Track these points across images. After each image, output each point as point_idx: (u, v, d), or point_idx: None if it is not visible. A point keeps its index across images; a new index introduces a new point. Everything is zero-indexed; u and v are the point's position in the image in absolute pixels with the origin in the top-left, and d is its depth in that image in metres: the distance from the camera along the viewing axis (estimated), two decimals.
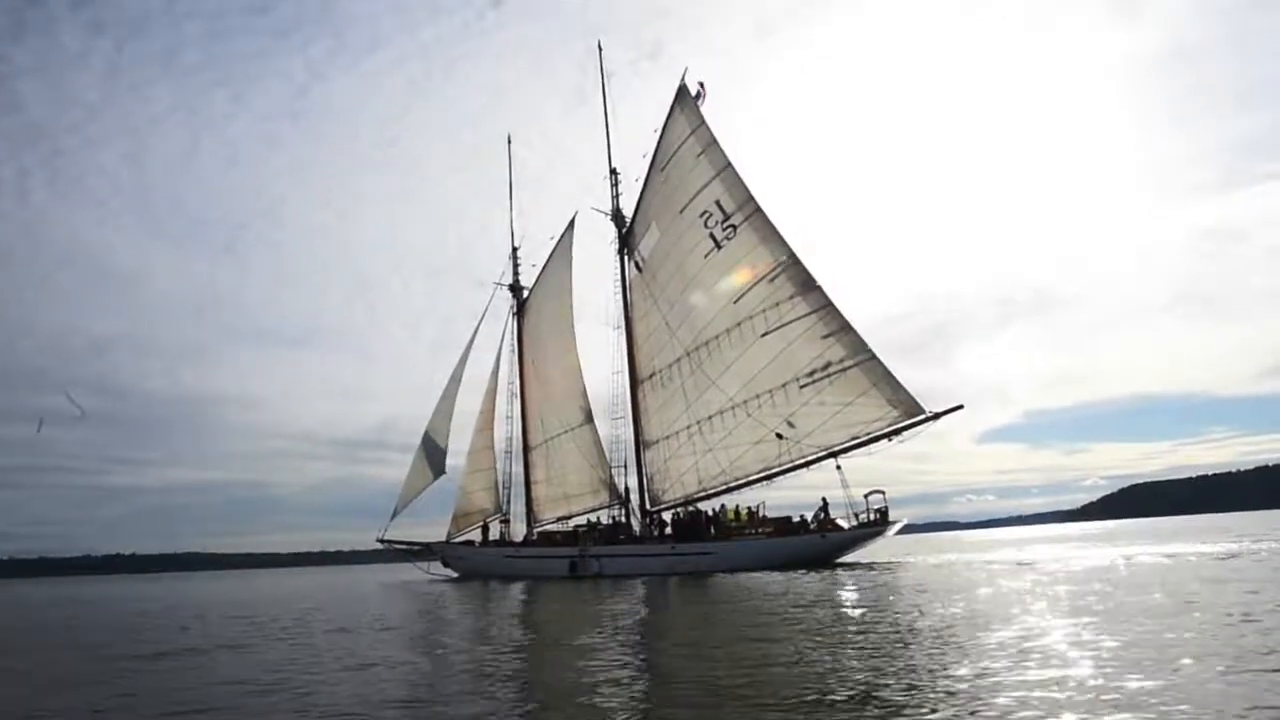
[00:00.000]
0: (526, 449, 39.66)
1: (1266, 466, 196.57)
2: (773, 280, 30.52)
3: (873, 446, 28.52)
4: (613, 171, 37.54)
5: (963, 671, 6.58)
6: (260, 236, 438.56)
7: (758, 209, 31.28)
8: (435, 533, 41.69)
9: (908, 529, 33.54)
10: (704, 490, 32.24)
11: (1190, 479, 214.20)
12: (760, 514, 32.21)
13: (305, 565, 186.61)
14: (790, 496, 43.12)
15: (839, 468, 29.21)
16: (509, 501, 39.45)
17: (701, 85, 33.10)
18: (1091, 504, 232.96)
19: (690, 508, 32.52)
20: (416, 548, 41.21)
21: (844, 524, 30.01)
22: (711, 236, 32.13)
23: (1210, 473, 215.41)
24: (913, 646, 8.14)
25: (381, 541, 41.66)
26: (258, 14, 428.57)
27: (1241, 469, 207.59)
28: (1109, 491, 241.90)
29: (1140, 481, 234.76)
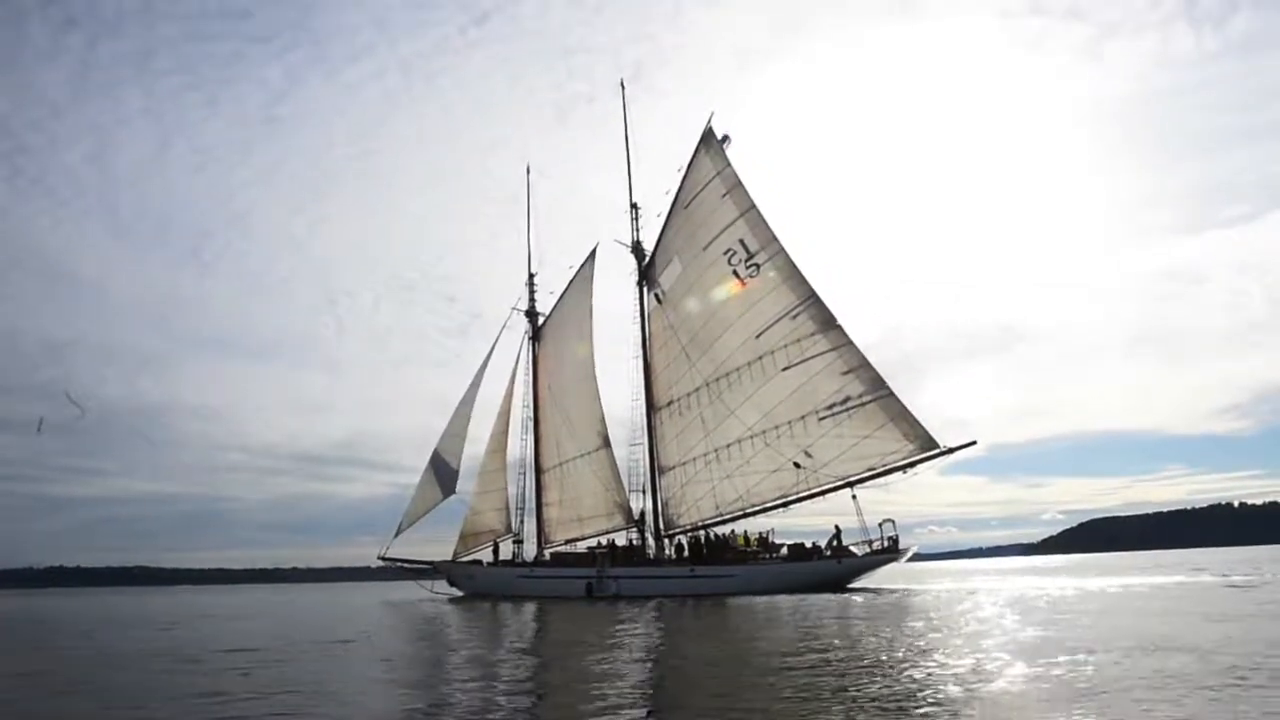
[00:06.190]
0: (539, 471, 40.50)
1: (1218, 504, 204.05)
2: (795, 317, 32.16)
3: (887, 478, 30.13)
4: (633, 206, 39.15)
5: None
6: (227, 244, 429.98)
7: (781, 249, 32.99)
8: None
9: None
10: (720, 515, 33.48)
11: (1145, 515, 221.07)
12: (770, 540, 33.61)
13: (263, 582, 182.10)
14: (794, 524, 44.65)
15: (854, 497, 30.79)
16: (522, 523, 40.16)
17: (727, 136, 34.96)
18: (1050, 537, 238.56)
19: (708, 533, 33.72)
20: (422, 566, 41.57)
21: (856, 550, 31.49)
22: (735, 273, 33.72)
23: (1165, 510, 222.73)
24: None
25: (384, 559, 41.83)
26: (238, 19, 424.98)
27: (1194, 506, 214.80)
28: (1067, 526, 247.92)
29: (1096, 516, 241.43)
